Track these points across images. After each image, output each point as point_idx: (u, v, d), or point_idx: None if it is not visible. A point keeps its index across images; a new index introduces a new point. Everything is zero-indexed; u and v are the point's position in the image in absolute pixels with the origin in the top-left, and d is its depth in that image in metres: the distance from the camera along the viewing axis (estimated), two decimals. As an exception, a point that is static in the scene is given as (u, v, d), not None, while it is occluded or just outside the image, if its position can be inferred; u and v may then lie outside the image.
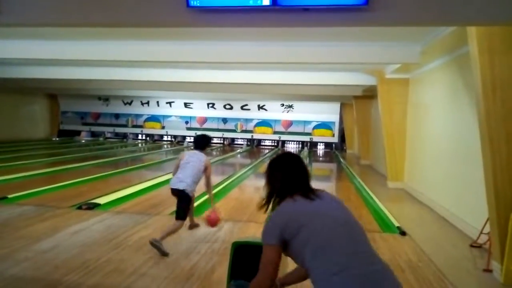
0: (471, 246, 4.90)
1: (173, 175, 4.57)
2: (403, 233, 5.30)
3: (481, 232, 4.69)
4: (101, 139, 22.29)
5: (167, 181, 8.86)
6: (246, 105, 20.70)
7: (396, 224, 5.70)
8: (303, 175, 1.88)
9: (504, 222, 3.76)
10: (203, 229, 5.15)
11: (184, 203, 4.39)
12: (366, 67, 9.36)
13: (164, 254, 4.12)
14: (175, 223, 4.35)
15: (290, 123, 20.59)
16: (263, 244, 1.74)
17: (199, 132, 22.39)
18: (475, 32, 3.74)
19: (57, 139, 21.04)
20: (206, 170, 4.55)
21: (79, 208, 5.96)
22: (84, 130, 22.76)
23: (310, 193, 1.78)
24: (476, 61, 3.79)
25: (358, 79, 10.32)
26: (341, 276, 1.51)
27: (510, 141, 3.74)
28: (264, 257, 1.70)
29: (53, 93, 20.42)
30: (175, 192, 4.40)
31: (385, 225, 5.80)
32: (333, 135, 20.29)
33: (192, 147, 5.04)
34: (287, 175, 1.86)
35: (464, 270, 4.17)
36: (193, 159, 4.50)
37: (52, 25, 4.57)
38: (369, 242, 1.68)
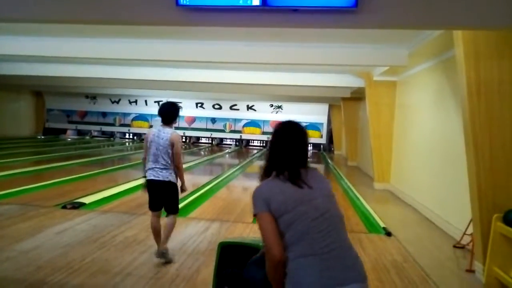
0: (455, 246, 4.97)
1: (144, 161, 4.02)
2: (388, 234, 5.36)
3: (464, 233, 4.77)
4: (87, 137, 22.00)
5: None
6: (235, 105, 20.68)
7: (382, 225, 5.76)
8: (296, 153, 1.81)
9: (486, 223, 3.83)
10: (190, 229, 5.13)
11: (171, 193, 3.96)
12: (355, 69, 9.43)
13: (171, 261, 3.95)
14: (170, 220, 3.99)
15: (278, 124, 20.61)
16: (255, 216, 1.71)
17: (187, 132, 22.37)
18: (461, 36, 3.81)
19: (43, 137, 20.68)
20: (173, 147, 3.86)
21: (64, 207, 5.87)
22: (70, 129, 22.42)
23: (299, 180, 1.74)
24: (461, 65, 3.86)
25: (346, 81, 10.39)
26: (308, 259, 1.60)
27: (494, 143, 3.82)
28: (260, 228, 1.67)
29: (38, 90, 20.08)
30: (156, 184, 3.87)
31: (371, 225, 5.86)
32: (321, 136, 20.40)
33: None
34: (280, 150, 1.81)
35: (448, 271, 4.24)
36: (161, 141, 3.85)
37: (39, 21, 4.50)
38: (345, 232, 1.74)
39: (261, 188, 1.77)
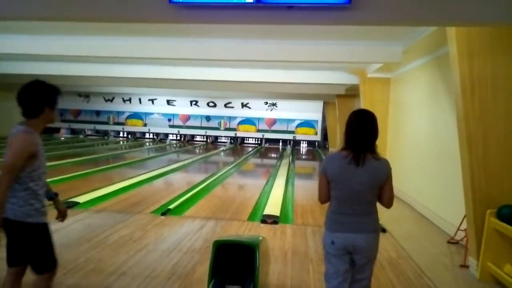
0: (449, 242, 5.01)
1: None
2: (383, 230, 5.36)
3: (458, 229, 4.80)
4: (81, 136, 21.86)
5: (149, 179, 8.83)
6: (230, 103, 20.65)
7: (377, 222, 5.78)
8: (363, 135, 2.36)
9: (480, 219, 3.86)
10: (185, 228, 5.12)
11: (29, 240, 2.36)
12: (349, 66, 9.44)
13: None
14: (42, 280, 2.52)
15: (273, 121, 20.64)
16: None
17: (182, 130, 22.24)
18: (455, 33, 3.82)
19: (35, 136, 20.49)
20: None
21: (58, 206, 5.82)
22: (64, 127, 22.24)
23: (360, 159, 2.30)
24: (455, 62, 3.87)
25: (340, 78, 10.40)
26: (336, 215, 2.39)
27: (487, 140, 3.84)
28: (318, 182, 2.46)
29: (31, 89, 19.88)
30: (4, 225, 2.27)
31: (366, 222, 5.87)
32: (316, 134, 20.42)
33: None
34: (350, 130, 2.38)
35: (442, 266, 4.26)
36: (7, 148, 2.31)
37: (30, 19, 4.44)
38: (369, 206, 2.36)
39: (327, 158, 2.50)
